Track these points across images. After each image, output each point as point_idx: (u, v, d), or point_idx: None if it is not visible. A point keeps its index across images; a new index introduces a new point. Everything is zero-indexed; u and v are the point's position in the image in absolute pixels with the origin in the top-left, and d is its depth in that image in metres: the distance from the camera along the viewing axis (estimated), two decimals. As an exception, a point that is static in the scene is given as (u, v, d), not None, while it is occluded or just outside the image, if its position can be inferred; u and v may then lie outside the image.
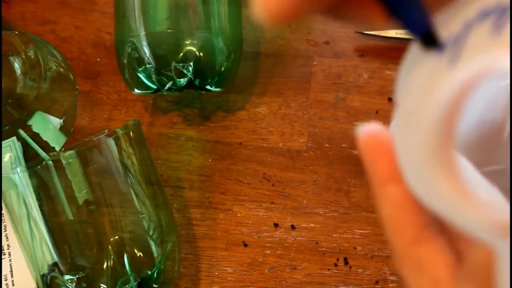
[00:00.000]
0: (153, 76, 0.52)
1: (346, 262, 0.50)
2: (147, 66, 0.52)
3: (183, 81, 0.51)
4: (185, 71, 0.51)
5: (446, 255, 0.25)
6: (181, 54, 0.52)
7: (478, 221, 0.21)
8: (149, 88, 0.53)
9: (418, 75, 0.24)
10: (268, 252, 0.50)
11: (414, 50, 0.25)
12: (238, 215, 0.52)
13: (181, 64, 0.51)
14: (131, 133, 0.47)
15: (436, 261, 0.25)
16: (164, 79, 0.52)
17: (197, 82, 0.52)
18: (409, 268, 0.26)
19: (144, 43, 0.52)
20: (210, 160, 0.55)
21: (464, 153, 0.26)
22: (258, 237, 0.51)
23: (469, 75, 0.20)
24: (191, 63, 0.51)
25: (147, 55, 0.52)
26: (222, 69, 0.53)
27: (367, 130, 0.26)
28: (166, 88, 0.51)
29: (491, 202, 0.22)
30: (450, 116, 0.21)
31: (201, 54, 0.52)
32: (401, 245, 0.26)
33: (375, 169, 0.26)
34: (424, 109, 0.22)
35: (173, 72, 0.51)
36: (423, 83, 0.24)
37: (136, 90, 0.53)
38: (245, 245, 0.51)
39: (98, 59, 0.60)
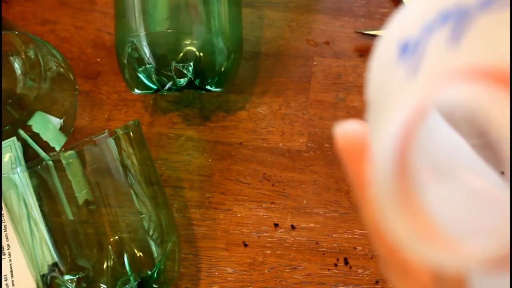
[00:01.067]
0: (153, 76, 0.52)
1: (346, 262, 0.50)
2: (147, 66, 0.52)
3: (183, 81, 0.51)
4: (185, 71, 0.51)
5: None
6: (181, 54, 0.52)
7: (439, 260, 0.20)
8: (149, 88, 0.53)
9: (381, 77, 0.23)
10: (268, 252, 0.50)
11: (380, 48, 0.24)
12: (238, 215, 0.52)
13: (181, 64, 0.51)
14: (131, 133, 0.47)
15: (422, 265, 0.24)
16: (164, 79, 0.52)
17: (197, 82, 0.52)
18: (395, 272, 0.25)
19: (144, 43, 0.52)
20: (210, 160, 0.55)
21: (454, 125, 0.25)
22: (258, 237, 0.51)
23: (407, 119, 0.19)
24: (191, 63, 0.51)
25: (147, 55, 0.52)
26: (222, 69, 0.53)
27: (345, 130, 0.25)
28: (166, 88, 0.51)
29: (457, 233, 0.20)
30: (398, 162, 0.20)
31: (201, 54, 0.52)
32: (386, 249, 0.25)
33: (355, 172, 0.25)
34: (376, 142, 0.21)
35: (173, 72, 0.51)
36: (384, 88, 0.23)
37: (136, 90, 0.53)
38: (245, 245, 0.51)
39: (98, 59, 0.60)
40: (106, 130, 0.49)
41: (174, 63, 0.51)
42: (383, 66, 0.24)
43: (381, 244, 0.25)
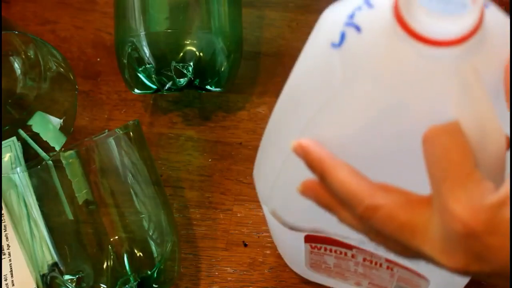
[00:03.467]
0: (153, 76, 0.52)
1: (346, 262, 0.50)
2: (147, 66, 0.52)
3: (183, 81, 0.51)
4: (185, 71, 0.51)
5: None
6: (181, 54, 0.52)
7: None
8: (149, 88, 0.53)
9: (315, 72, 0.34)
10: (268, 252, 0.50)
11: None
12: (238, 215, 0.52)
13: (181, 64, 0.51)
14: (131, 133, 0.47)
15: None
16: (164, 79, 0.52)
17: (197, 82, 0.52)
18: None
19: (144, 43, 0.52)
20: (210, 160, 0.55)
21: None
22: (258, 237, 0.51)
23: None
24: (191, 63, 0.51)
25: (147, 55, 0.52)
26: (222, 69, 0.53)
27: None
28: (166, 88, 0.51)
29: None
30: None
31: (201, 54, 0.52)
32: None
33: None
34: None
35: (173, 72, 0.51)
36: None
37: (136, 90, 0.53)
38: (245, 245, 0.51)
39: (98, 59, 0.60)
40: (106, 130, 0.49)
41: (174, 63, 0.51)
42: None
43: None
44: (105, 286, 0.44)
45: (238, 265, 0.50)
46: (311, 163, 0.30)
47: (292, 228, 0.39)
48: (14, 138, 0.54)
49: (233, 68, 0.54)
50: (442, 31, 0.26)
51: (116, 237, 0.46)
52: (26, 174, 0.44)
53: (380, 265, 0.39)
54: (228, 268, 0.50)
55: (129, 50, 0.52)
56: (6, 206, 0.46)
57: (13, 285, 0.47)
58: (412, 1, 0.26)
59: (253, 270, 0.50)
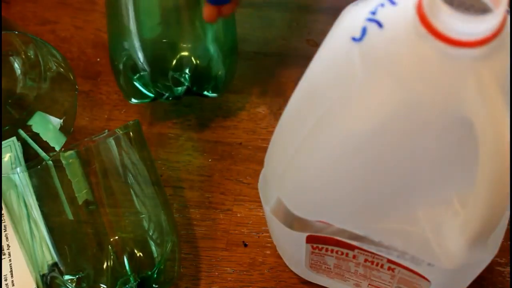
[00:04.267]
0: (149, 84, 0.51)
1: (346, 262, 0.50)
2: (142, 73, 0.51)
3: (180, 89, 0.51)
4: (182, 80, 0.51)
5: None
6: (176, 60, 0.52)
7: None
8: (146, 96, 0.52)
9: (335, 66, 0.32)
10: (268, 252, 0.50)
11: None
12: (238, 215, 0.52)
13: (178, 73, 0.51)
14: (131, 133, 0.47)
15: None
16: (160, 86, 0.52)
17: (195, 89, 0.52)
18: None
19: (138, 50, 0.52)
20: (210, 160, 0.55)
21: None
22: (258, 237, 0.51)
23: None
24: (187, 70, 0.51)
25: (141, 60, 0.51)
26: (219, 73, 0.53)
27: None
28: (164, 98, 0.51)
29: None
30: None
31: (197, 61, 0.52)
32: None
33: None
34: None
35: (170, 82, 0.51)
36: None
37: (133, 100, 0.53)
38: (245, 245, 0.51)
39: (98, 59, 0.60)
40: (106, 130, 0.49)
41: (171, 73, 0.51)
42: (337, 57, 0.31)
43: None
44: (105, 286, 0.44)
45: (238, 265, 0.50)
46: None
47: (293, 227, 0.38)
48: (14, 138, 0.54)
49: (229, 72, 0.54)
50: (464, 31, 0.26)
51: (116, 237, 0.46)
52: (26, 174, 0.44)
53: (382, 266, 0.39)
54: (228, 268, 0.50)
55: (124, 58, 0.52)
56: (6, 206, 0.46)
57: (13, 285, 0.47)
58: (437, 1, 0.26)
59: (253, 270, 0.50)
